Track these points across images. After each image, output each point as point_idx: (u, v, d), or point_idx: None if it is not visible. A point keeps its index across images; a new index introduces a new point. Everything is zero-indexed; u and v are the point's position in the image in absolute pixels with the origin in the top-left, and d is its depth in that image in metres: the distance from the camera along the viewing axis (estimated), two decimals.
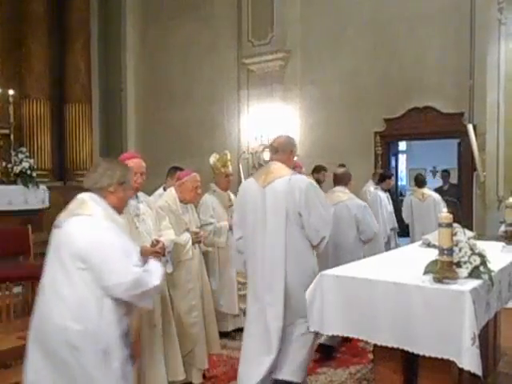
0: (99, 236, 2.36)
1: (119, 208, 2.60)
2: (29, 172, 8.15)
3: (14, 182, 8.07)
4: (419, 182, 7.11)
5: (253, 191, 3.51)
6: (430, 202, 6.78)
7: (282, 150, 3.56)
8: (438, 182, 11.47)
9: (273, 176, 3.44)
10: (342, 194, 4.78)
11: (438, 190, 8.57)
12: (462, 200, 7.51)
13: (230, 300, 5.13)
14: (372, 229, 4.74)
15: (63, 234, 2.45)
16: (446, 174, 8.72)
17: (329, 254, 4.37)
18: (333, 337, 3.77)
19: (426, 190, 7.03)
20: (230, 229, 5.14)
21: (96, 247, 2.33)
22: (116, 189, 2.54)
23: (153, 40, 10.62)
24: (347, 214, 4.63)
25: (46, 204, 8.29)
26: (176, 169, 5.01)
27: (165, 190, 4.77)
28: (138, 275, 2.34)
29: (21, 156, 8.23)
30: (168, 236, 3.48)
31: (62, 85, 9.73)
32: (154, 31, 10.57)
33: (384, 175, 7.18)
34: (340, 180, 4.90)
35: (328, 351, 4.53)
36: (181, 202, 4.05)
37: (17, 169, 8.10)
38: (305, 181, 3.45)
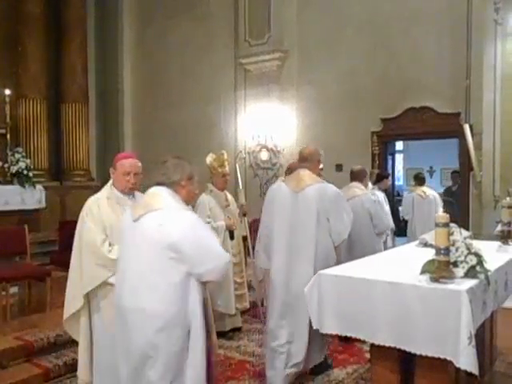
0: (191, 227, 2.56)
1: (188, 201, 2.80)
2: (25, 172, 8.13)
3: (11, 182, 8.05)
4: (420, 180, 7.15)
5: (283, 194, 3.94)
6: (432, 200, 6.82)
7: (311, 159, 4.08)
8: (435, 182, 11.52)
9: (304, 183, 3.90)
10: (357, 189, 5.15)
11: (448, 191, 8.60)
12: (458, 200, 7.54)
13: (227, 300, 5.12)
14: (384, 222, 5.10)
15: (146, 228, 2.58)
16: (456, 174, 8.64)
17: (345, 246, 4.60)
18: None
19: (426, 188, 7.06)
20: (227, 229, 5.15)
21: (189, 238, 2.53)
22: (186, 183, 2.73)
23: (149, 40, 10.61)
24: (361, 209, 4.96)
25: (43, 204, 8.28)
26: None
27: None
28: (228, 257, 2.68)
29: (17, 156, 8.21)
30: None
31: (58, 85, 9.71)
32: (150, 31, 10.56)
33: (381, 175, 7.18)
34: (356, 176, 5.28)
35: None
36: None
37: (13, 169, 8.09)
38: (333, 190, 3.93)
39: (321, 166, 4.21)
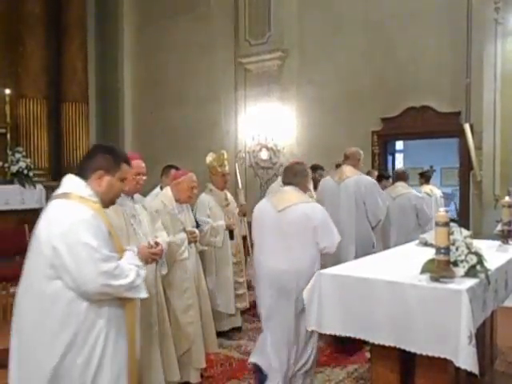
0: (323, 213, 3.63)
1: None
2: (25, 172, 8.14)
3: (11, 182, 8.06)
4: (427, 178, 7.15)
5: (330, 186, 4.91)
6: (438, 198, 6.85)
7: (352, 157, 4.95)
8: (435, 181, 11.49)
9: (345, 175, 4.83)
10: (402, 187, 5.98)
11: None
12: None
13: (227, 299, 5.13)
14: (427, 216, 5.75)
15: (295, 217, 3.53)
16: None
17: (392, 236, 5.60)
18: None
19: (432, 187, 7.06)
20: (227, 228, 5.15)
21: (324, 222, 3.60)
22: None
23: (149, 39, 10.61)
24: (408, 204, 5.77)
25: (43, 203, 8.26)
26: (171, 167, 4.96)
27: (161, 189, 4.76)
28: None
29: (17, 156, 8.22)
30: (162, 238, 3.46)
31: (58, 84, 9.71)
32: (150, 30, 10.55)
33: (381, 176, 7.20)
34: (401, 177, 6.18)
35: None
36: (176, 201, 4.04)
37: (13, 168, 8.09)
38: (368, 179, 4.92)
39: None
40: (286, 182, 3.75)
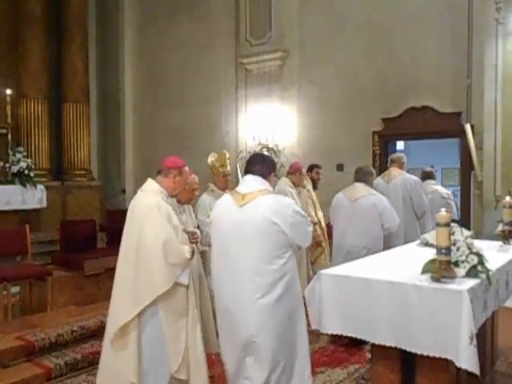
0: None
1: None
2: (26, 172, 8.12)
3: (12, 182, 8.04)
4: (434, 177, 7.18)
5: (381, 185, 5.52)
6: (444, 196, 6.87)
7: (398, 161, 5.81)
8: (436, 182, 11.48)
9: (393, 175, 5.66)
10: (433, 185, 6.38)
11: None
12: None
13: None
14: (455, 211, 6.31)
15: (365, 205, 4.76)
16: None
17: (428, 224, 5.85)
18: None
19: (437, 185, 7.08)
20: None
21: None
22: None
23: (150, 39, 10.61)
24: (440, 199, 6.12)
25: (44, 204, 8.27)
26: None
27: None
28: None
29: (18, 156, 8.21)
30: None
31: (59, 84, 9.71)
32: (151, 31, 10.56)
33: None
34: (430, 176, 6.55)
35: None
36: (177, 202, 4.03)
37: (14, 168, 8.08)
38: (413, 178, 5.66)
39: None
40: (357, 180, 4.96)
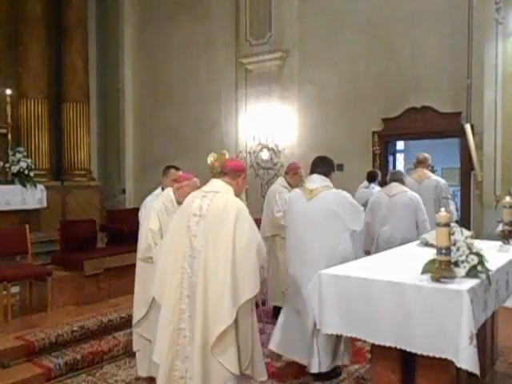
0: None
1: None
2: (26, 172, 8.12)
3: (12, 182, 8.04)
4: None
5: (413, 185, 5.74)
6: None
7: (425, 161, 6.22)
8: None
9: (424, 176, 6.06)
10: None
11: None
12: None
13: None
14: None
15: (403, 200, 5.19)
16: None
17: None
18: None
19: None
20: None
21: None
22: None
23: (150, 39, 10.61)
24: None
25: (44, 204, 8.28)
26: (170, 167, 4.85)
27: (163, 189, 4.75)
28: None
29: (18, 156, 8.21)
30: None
31: (59, 84, 9.71)
32: (151, 30, 10.56)
33: (371, 173, 7.33)
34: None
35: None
36: (178, 203, 4.02)
37: (14, 168, 8.08)
38: (441, 180, 6.13)
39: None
40: (393, 180, 5.45)
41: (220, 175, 3.40)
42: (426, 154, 6.30)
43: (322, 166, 4.10)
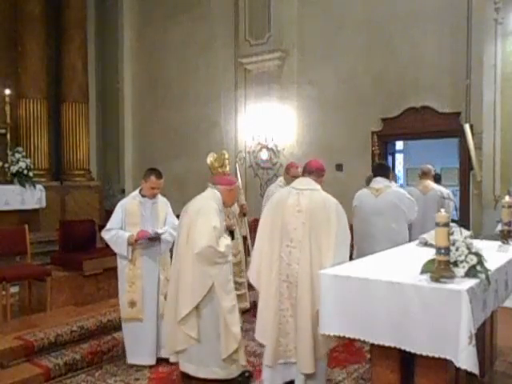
0: None
1: None
2: (25, 172, 8.12)
3: (11, 182, 8.04)
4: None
5: (418, 195, 5.68)
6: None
7: (430, 174, 6.07)
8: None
9: (429, 187, 5.91)
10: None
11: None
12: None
13: None
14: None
15: (434, 195, 5.70)
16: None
17: None
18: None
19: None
20: (227, 229, 5.14)
21: None
22: None
23: (149, 39, 10.61)
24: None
25: (43, 204, 8.27)
26: (152, 174, 4.55)
27: (141, 192, 4.60)
28: None
29: (17, 156, 8.21)
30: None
31: (58, 84, 9.70)
32: (150, 30, 10.56)
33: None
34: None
35: None
36: (227, 205, 4.30)
37: (13, 169, 8.08)
38: (443, 190, 6.01)
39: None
40: (422, 177, 5.96)
41: (304, 174, 3.84)
42: (430, 166, 6.21)
43: (383, 171, 5.13)
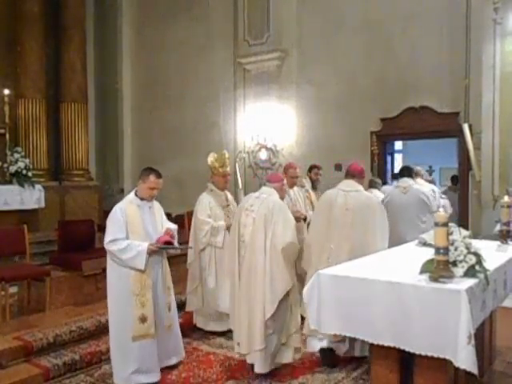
0: None
1: None
2: (24, 172, 8.11)
3: (10, 182, 8.03)
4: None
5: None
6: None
7: (420, 174, 6.08)
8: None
9: (414, 186, 5.74)
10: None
11: None
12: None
13: (228, 299, 5.13)
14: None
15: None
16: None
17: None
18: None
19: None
20: (227, 228, 5.15)
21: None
22: None
23: (148, 39, 10.60)
24: None
25: (42, 204, 8.26)
26: (151, 173, 4.21)
27: (136, 193, 4.22)
28: None
29: (16, 156, 8.19)
30: None
31: (57, 84, 9.69)
32: (149, 30, 10.55)
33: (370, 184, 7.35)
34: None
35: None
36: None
37: (12, 169, 8.07)
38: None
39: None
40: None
41: (348, 177, 4.46)
42: (419, 167, 6.39)
43: (409, 172, 5.74)
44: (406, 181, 5.61)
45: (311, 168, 6.38)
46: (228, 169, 5.33)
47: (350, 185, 4.36)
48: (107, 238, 3.96)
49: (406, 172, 5.76)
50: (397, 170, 12.47)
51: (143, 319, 3.95)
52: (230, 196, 5.46)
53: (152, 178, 4.10)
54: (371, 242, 4.08)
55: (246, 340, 3.98)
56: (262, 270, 3.94)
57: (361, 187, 4.39)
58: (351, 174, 4.44)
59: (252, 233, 4.04)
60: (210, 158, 5.26)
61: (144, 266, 3.93)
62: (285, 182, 4.51)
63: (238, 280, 4.10)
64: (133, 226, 4.02)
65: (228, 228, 5.14)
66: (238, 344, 4.09)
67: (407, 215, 5.38)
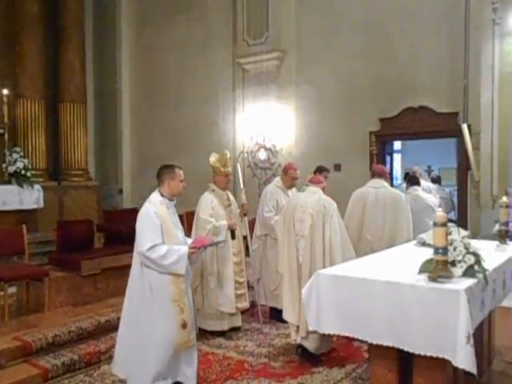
0: None
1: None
2: (23, 172, 8.11)
3: (9, 182, 8.03)
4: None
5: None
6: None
7: (416, 173, 6.76)
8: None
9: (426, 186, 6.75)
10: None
11: None
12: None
13: (228, 299, 5.14)
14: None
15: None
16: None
17: None
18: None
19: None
20: (229, 228, 5.15)
21: None
22: None
23: (147, 39, 10.60)
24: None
25: (41, 204, 8.26)
26: (175, 167, 4.43)
27: (162, 195, 4.37)
28: None
29: (15, 156, 8.19)
30: None
31: (56, 84, 9.68)
32: (148, 31, 10.55)
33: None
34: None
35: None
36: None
37: (11, 169, 8.06)
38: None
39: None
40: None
41: (375, 176, 5.30)
42: (417, 167, 7.09)
43: (416, 180, 6.20)
44: (415, 189, 6.05)
45: (321, 170, 5.84)
46: (230, 169, 5.34)
47: (379, 182, 5.21)
48: (145, 244, 3.67)
49: (414, 181, 6.29)
50: (396, 170, 12.57)
51: (184, 325, 3.78)
52: (231, 196, 5.47)
53: (178, 171, 4.03)
54: (399, 233, 4.88)
55: (305, 326, 4.08)
56: (321, 260, 4.28)
57: (387, 184, 5.28)
58: (378, 174, 5.31)
59: (311, 227, 4.37)
60: (212, 158, 5.27)
61: (185, 270, 3.77)
62: (324, 183, 4.86)
63: (297, 270, 4.38)
64: (168, 229, 3.83)
65: (230, 228, 5.16)
66: (296, 331, 4.39)
67: (418, 219, 5.60)
